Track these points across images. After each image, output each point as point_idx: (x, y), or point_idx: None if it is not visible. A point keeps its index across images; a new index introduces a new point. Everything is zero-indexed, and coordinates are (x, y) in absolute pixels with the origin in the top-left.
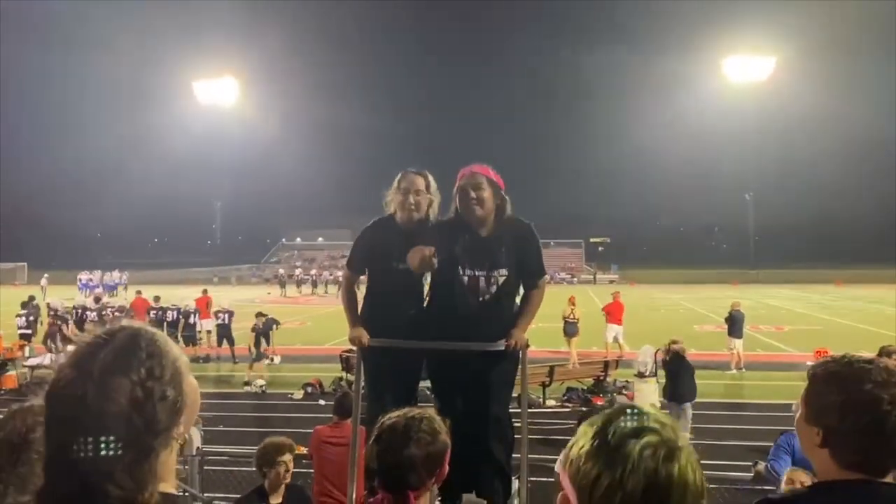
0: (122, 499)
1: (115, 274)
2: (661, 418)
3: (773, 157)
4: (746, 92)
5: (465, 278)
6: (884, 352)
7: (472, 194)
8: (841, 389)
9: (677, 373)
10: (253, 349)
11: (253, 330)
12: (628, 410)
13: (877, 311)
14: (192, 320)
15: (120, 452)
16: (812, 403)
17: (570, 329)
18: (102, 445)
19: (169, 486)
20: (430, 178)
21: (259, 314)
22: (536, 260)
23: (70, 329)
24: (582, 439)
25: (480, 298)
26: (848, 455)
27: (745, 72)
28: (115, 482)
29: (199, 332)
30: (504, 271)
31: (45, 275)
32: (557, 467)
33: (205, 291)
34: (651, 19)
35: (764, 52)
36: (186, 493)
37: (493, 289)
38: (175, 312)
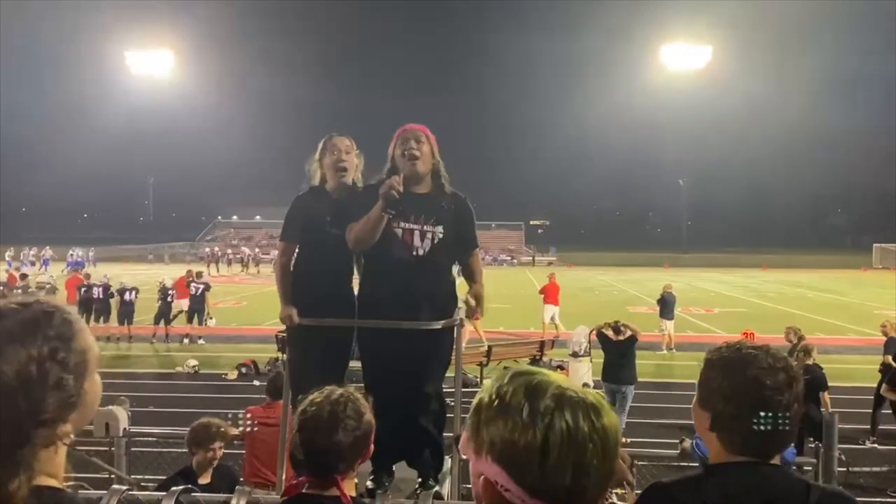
0: None
1: (79, 251)
2: (555, 376)
3: (707, 144)
4: (683, 80)
5: (399, 231)
6: (791, 330)
7: (413, 145)
8: (727, 374)
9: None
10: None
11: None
12: (521, 374)
13: (798, 294)
14: (127, 297)
15: None
16: (703, 388)
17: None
18: None
19: (52, 480)
20: (352, 140)
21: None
22: (473, 231)
23: None
24: (481, 407)
25: (415, 253)
26: (734, 439)
27: (682, 60)
28: None
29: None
30: (441, 229)
31: None
32: (464, 450)
33: (189, 273)
34: (591, 6)
35: (701, 40)
36: (112, 476)
37: (428, 243)
38: (101, 290)
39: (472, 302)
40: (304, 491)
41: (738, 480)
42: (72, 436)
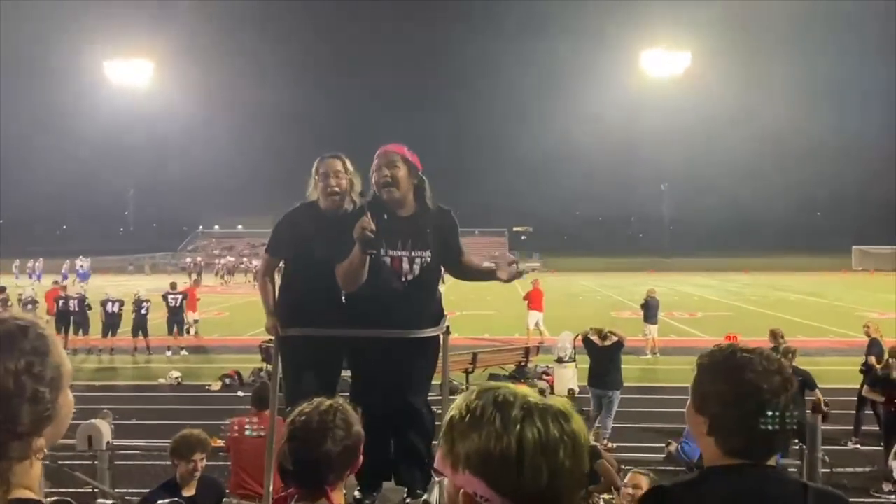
0: None
1: (87, 263)
2: (521, 388)
3: (689, 149)
4: (663, 86)
5: (388, 259)
6: (774, 333)
7: (386, 172)
8: (725, 379)
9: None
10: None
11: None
12: (487, 390)
13: (781, 297)
14: (109, 309)
15: None
16: (698, 393)
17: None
18: None
19: (30, 493)
20: (346, 160)
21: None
22: (458, 242)
23: None
24: (454, 423)
25: (403, 279)
26: (733, 442)
27: (661, 66)
28: None
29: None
30: (427, 253)
31: None
32: (441, 467)
33: (196, 283)
34: (571, 13)
35: (680, 47)
36: (95, 490)
37: (417, 270)
38: (76, 302)
39: (514, 270)
40: (292, 503)
41: (737, 483)
42: (45, 450)
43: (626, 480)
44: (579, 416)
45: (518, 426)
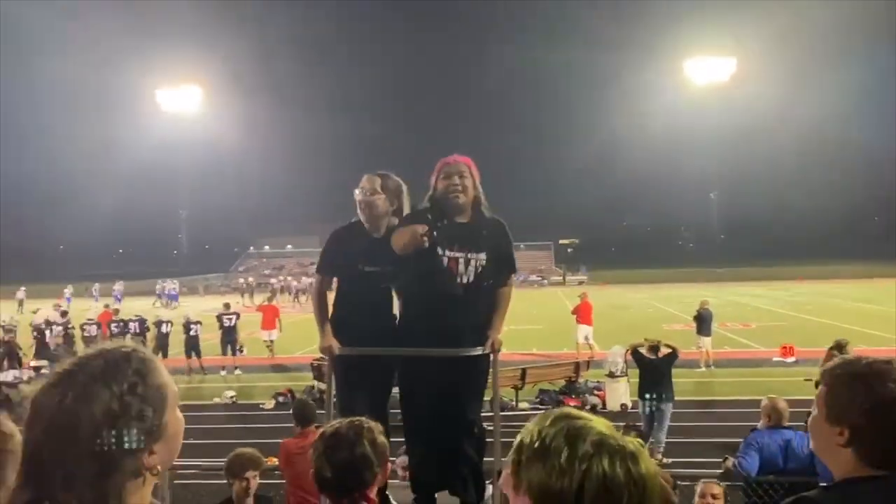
0: None
1: (174, 284)
2: (597, 421)
3: (737, 156)
4: (708, 93)
5: (445, 259)
6: (837, 345)
7: (457, 181)
8: (867, 390)
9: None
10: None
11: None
12: (567, 416)
13: (836, 305)
14: (163, 329)
15: (84, 462)
16: (834, 404)
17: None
18: (68, 452)
19: None
20: (393, 177)
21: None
22: (511, 255)
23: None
24: (522, 447)
25: (460, 280)
26: (875, 453)
27: (706, 73)
28: (75, 492)
29: (266, 341)
30: (483, 256)
31: (22, 288)
32: (505, 486)
33: (270, 299)
34: (615, 22)
35: (724, 53)
36: None
37: (472, 273)
38: (137, 324)
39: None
40: None
41: (885, 493)
42: (159, 468)
43: (699, 489)
44: (651, 460)
45: (584, 465)
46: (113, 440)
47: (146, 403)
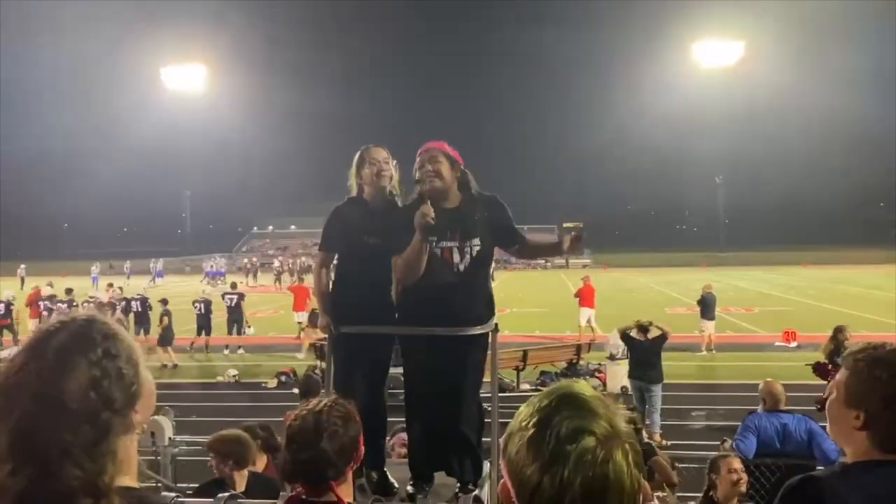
0: (82, 480)
1: (219, 260)
2: (598, 409)
3: (743, 140)
4: (716, 76)
5: (438, 250)
6: (837, 330)
7: (429, 167)
8: (889, 374)
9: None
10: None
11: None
12: (565, 407)
13: (841, 291)
14: (200, 310)
15: (78, 429)
16: (855, 388)
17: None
18: (62, 422)
19: (129, 479)
20: (388, 152)
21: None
22: (512, 227)
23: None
24: (517, 435)
25: (454, 269)
26: (888, 438)
27: (714, 56)
28: (74, 461)
29: (301, 323)
30: (477, 241)
31: (22, 265)
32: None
33: (301, 280)
34: (622, 4)
35: (733, 36)
36: (158, 484)
37: (467, 258)
38: (138, 303)
39: (569, 241)
40: (302, 497)
41: (894, 478)
42: (144, 425)
43: (723, 466)
44: (639, 454)
45: (564, 467)
46: (102, 403)
47: (122, 363)
